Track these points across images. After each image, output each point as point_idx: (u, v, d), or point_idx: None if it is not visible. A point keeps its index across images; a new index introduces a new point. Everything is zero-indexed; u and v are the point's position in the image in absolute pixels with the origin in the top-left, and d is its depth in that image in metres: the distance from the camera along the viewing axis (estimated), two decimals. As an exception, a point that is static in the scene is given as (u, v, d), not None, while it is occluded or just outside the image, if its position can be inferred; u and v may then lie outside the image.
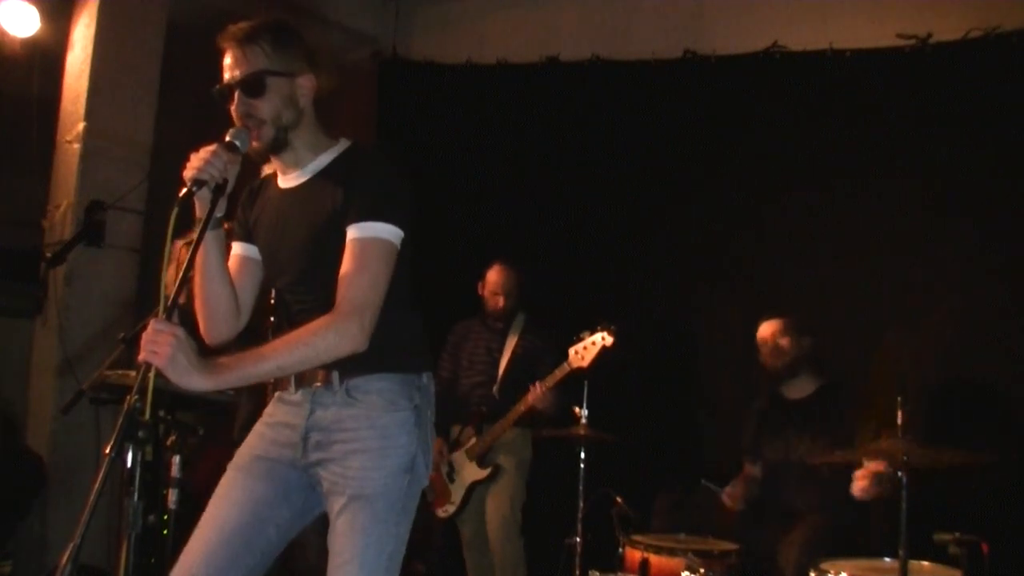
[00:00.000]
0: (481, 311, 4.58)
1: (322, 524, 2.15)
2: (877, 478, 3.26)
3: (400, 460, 2.09)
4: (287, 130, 2.13)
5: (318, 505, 2.15)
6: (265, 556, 2.13)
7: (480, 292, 4.56)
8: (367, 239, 2.03)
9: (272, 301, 2.53)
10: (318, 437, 2.12)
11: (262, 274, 2.29)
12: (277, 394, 2.23)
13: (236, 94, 2.08)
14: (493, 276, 4.51)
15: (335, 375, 2.10)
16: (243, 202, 2.31)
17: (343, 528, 2.04)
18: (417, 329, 2.23)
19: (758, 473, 3.96)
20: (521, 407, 4.20)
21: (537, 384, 4.14)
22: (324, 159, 2.19)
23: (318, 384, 2.12)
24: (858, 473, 3.32)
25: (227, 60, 2.10)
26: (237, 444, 2.25)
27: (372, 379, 2.11)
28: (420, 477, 2.14)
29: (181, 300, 1.85)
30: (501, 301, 4.47)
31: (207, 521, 2.11)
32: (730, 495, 3.85)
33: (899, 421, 2.75)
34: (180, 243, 2.64)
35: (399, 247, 2.07)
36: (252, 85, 2.07)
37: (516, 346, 4.47)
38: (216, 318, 2.20)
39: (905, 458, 2.69)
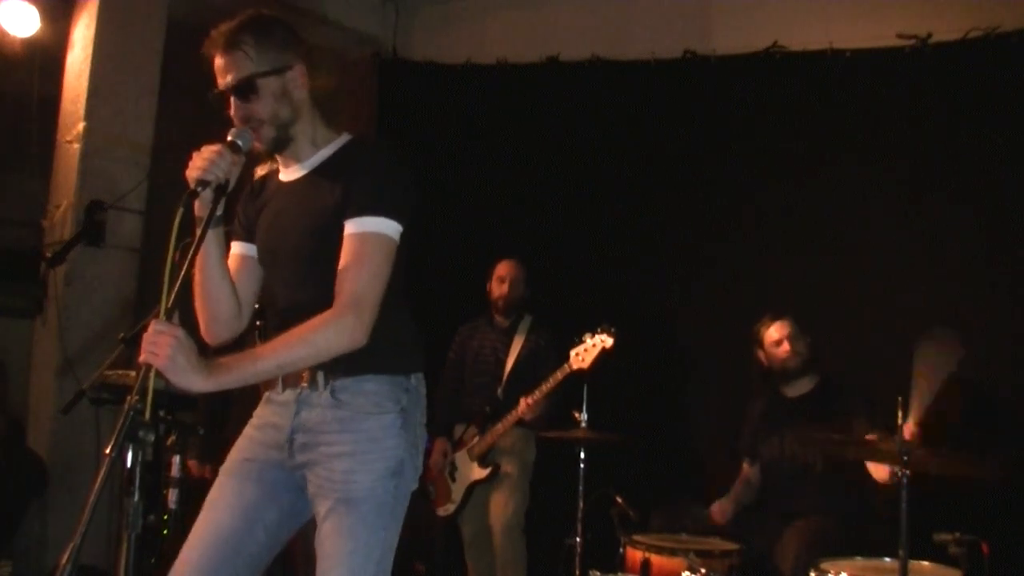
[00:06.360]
0: (488, 309, 4.60)
1: (310, 528, 2.11)
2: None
3: (386, 464, 2.04)
4: (287, 127, 2.12)
5: (308, 507, 2.11)
6: (255, 559, 2.10)
7: (488, 287, 4.59)
8: (366, 234, 2.01)
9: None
10: (303, 439, 2.09)
11: (262, 273, 2.26)
12: (266, 394, 2.21)
13: (231, 100, 2.08)
14: (501, 267, 4.58)
15: (320, 375, 2.07)
16: (244, 199, 2.29)
17: (329, 532, 2.01)
18: (409, 329, 2.20)
19: (756, 475, 3.96)
20: (512, 418, 4.24)
21: (524, 400, 4.19)
22: (324, 153, 2.17)
23: (304, 384, 2.09)
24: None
25: (217, 65, 2.09)
26: (230, 445, 2.23)
27: (358, 380, 2.07)
28: (409, 480, 2.10)
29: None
30: (507, 288, 4.51)
31: (197, 527, 2.09)
32: (718, 511, 3.86)
33: (899, 421, 2.75)
34: None
35: (398, 243, 2.05)
36: (243, 90, 2.06)
37: (522, 347, 4.48)
38: (217, 319, 2.19)
39: (905, 458, 2.69)
